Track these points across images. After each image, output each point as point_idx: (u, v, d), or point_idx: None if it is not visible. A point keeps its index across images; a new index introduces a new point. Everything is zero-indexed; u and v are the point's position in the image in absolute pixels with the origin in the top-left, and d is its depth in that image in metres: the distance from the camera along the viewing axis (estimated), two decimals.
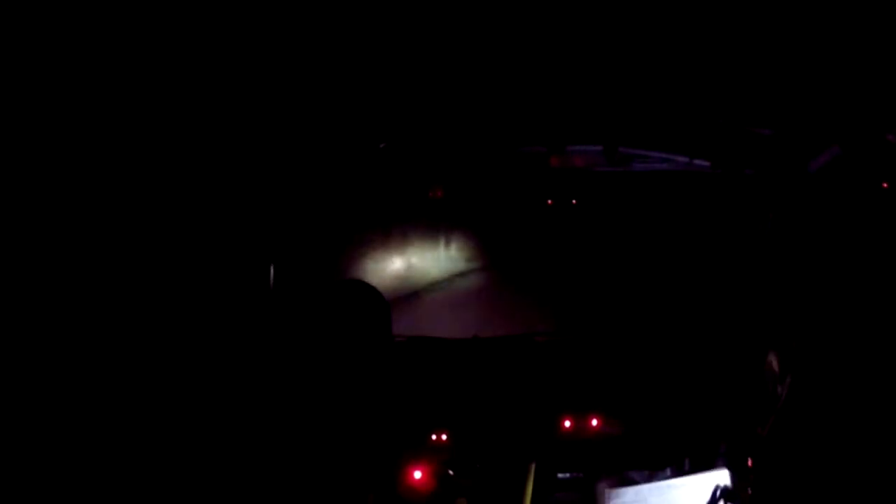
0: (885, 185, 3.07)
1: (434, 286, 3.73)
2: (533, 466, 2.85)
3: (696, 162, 3.25)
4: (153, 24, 2.67)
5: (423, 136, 3.25)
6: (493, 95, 3.09)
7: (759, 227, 3.29)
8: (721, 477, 2.72)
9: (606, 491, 2.75)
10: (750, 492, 2.72)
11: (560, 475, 2.92)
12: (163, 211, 2.88)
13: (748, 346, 3.18)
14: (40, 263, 2.67)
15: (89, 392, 2.62)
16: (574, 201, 3.59)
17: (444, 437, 2.91)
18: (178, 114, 2.87)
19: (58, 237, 2.72)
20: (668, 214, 3.52)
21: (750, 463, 2.78)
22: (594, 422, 2.98)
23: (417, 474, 2.79)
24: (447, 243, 3.82)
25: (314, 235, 3.42)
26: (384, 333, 2.58)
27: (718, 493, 2.67)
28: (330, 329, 2.52)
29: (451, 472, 2.84)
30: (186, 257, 2.87)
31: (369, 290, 2.60)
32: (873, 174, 3.08)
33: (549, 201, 3.59)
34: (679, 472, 2.87)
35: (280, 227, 3.27)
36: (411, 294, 3.68)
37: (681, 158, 3.27)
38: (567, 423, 2.98)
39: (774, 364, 2.99)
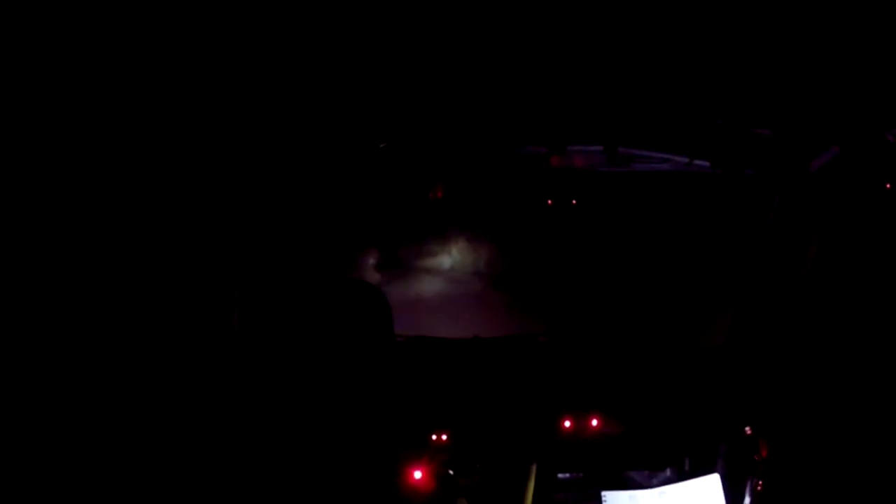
0: (888, 185, 3.07)
1: (434, 286, 3.73)
2: (534, 467, 2.85)
3: (696, 162, 3.24)
4: (150, 23, 2.67)
5: (423, 136, 3.25)
6: (493, 96, 3.09)
7: (759, 228, 3.29)
8: (713, 482, 2.73)
9: (602, 493, 2.75)
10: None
11: (560, 475, 2.92)
12: (159, 208, 2.88)
13: (747, 346, 3.19)
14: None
15: (85, 392, 2.61)
16: (574, 201, 3.59)
17: (444, 437, 2.91)
18: (174, 114, 2.87)
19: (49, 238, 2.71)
20: (668, 214, 3.52)
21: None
22: (594, 422, 2.98)
23: (417, 474, 2.79)
24: (447, 243, 3.82)
25: (314, 236, 3.42)
26: (386, 333, 2.58)
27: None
28: (331, 329, 2.52)
29: (451, 472, 2.84)
30: (180, 256, 2.87)
31: (370, 290, 2.60)
32: (873, 174, 3.08)
33: (549, 201, 3.59)
34: (679, 472, 2.87)
35: (279, 227, 3.26)
36: (411, 294, 3.68)
37: (681, 158, 3.26)
38: (567, 424, 2.98)
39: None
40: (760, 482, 2.78)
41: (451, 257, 3.79)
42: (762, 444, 2.82)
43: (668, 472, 2.88)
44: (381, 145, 3.22)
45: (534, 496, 2.82)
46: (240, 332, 2.80)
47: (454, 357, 3.22)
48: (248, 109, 2.97)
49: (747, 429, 2.87)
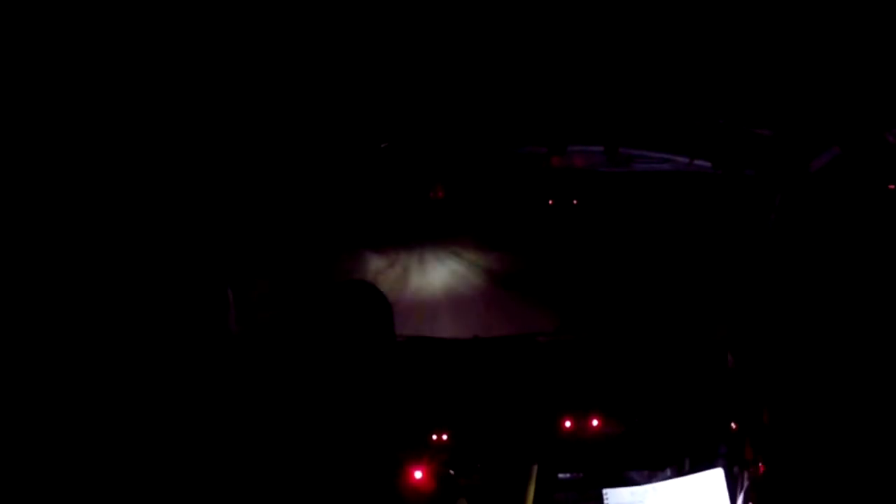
0: (891, 186, 3.08)
1: (435, 286, 3.73)
2: (535, 467, 2.85)
3: (697, 162, 3.24)
4: (150, 22, 2.67)
5: (424, 136, 3.25)
6: (494, 96, 3.09)
7: (759, 228, 3.29)
8: (716, 476, 2.73)
9: (604, 490, 2.75)
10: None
11: (560, 475, 2.92)
12: (154, 207, 2.87)
13: (747, 346, 3.19)
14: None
15: (76, 396, 2.60)
16: (574, 201, 3.60)
17: (444, 437, 2.92)
18: (172, 113, 2.86)
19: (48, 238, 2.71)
20: (668, 214, 3.52)
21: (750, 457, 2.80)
22: (594, 422, 2.98)
23: (417, 474, 2.79)
24: (447, 244, 3.82)
25: (316, 236, 3.43)
26: (386, 333, 2.58)
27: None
28: (332, 329, 2.52)
29: (451, 472, 2.84)
30: (174, 255, 2.86)
31: (371, 290, 2.60)
32: (873, 174, 3.08)
33: (550, 201, 3.59)
34: (679, 471, 2.87)
35: (278, 226, 3.27)
36: (412, 294, 3.68)
37: (681, 159, 3.27)
38: (567, 424, 2.98)
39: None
40: (760, 479, 2.79)
41: (452, 257, 3.80)
42: (755, 441, 2.84)
43: (668, 472, 2.87)
44: (382, 145, 3.22)
45: (534, 496, 2.82)
46: (237, 334, 2.80)
47: (454, 357, 3.22)
48: (247, 109, 2.97)
49: (733, 424, 2.88)
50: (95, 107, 2.75)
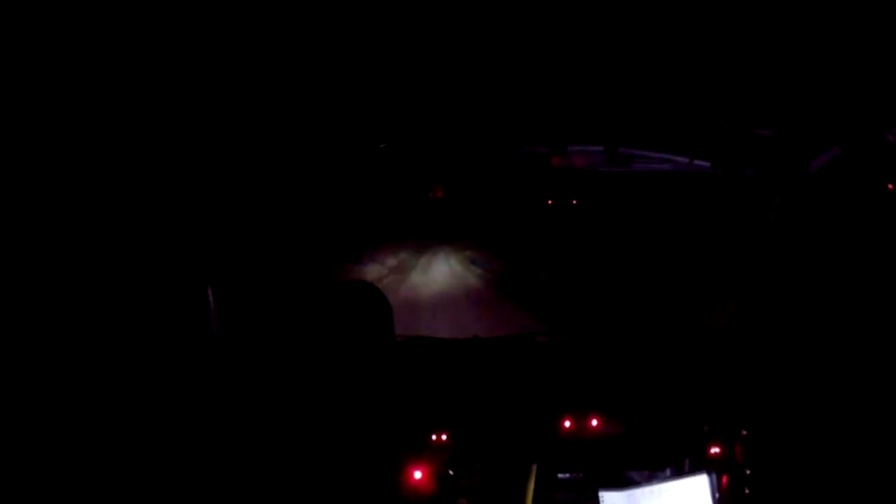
0: (890, 186, 3.07)
1: (434, 286, 3.73)
2: (535, 467, 2.86)
3: (697, 162, 3.24)
4: (149, 21, 2.66)
5: (423, 136, 3.25)
6: (493, 95, 3.09)
7: (759, 228, 3.29)
8: (701, 482, 2.73)
9: (599, 492, 2.76)
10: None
11: (560, 475, 2.92)
12: (160, 209, 2.86)
13: (748, 346, 3.19)
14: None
15: (51, 405, 2.57)
16: (574, 201, 3.60)
17: (444, 437, 2.92)
18: (166, 111, 2.85)
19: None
20: (668, 215, 3.52)
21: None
22: (594, 422, 2.99)
23: (417, 474, 2.79)
24: (447, 244, 3.82)
25: (314, 236, 3.42)
26: (386, 333, 2.58)
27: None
28: (332, 329, 2.52)
29: (451, 472, 2.84)
30: (185, 253, 2.85)
31: (371, 291, 2.60)
32: (873, 174, 3.08)
33: (549, 201, 3.59)
34: (679, 472, 2.87)
35: (276, 227, 3.26)
36: (411, 294, 3.68)
37: (681, 158, 3.27)
38: (567, 424, 2.98)
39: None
40: (745, 484, 2.80)
41: (451, 257, 3.80)
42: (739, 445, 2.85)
43: (667, 472, 2.87)
44: (382, 145, 3.22)
45: (534, 496, 2.82)
46: (219, 336, 2.77)
47: (454, 357, 3.22)
48: (246, 109, 2.97)
49: (705, 427, 2.89)
50: (77, 104, 2.73)
